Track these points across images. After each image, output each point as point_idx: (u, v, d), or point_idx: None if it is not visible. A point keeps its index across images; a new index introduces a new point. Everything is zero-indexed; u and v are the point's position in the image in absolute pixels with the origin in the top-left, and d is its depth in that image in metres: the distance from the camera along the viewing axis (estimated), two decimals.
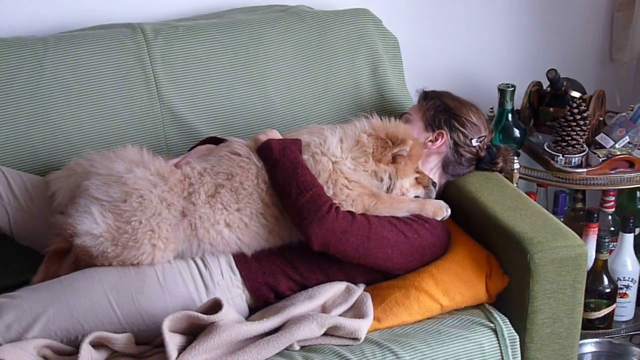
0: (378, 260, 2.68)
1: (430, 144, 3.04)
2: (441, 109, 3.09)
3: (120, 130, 3.09)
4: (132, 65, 3.10)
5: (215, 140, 2.94)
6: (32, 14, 3.24)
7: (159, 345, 2.47)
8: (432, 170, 3.04)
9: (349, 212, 2.65)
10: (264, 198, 2.67)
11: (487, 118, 3.20)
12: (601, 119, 3.70)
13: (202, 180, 2.65)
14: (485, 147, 3.13)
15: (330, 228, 2.57)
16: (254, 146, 2.74)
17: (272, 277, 2.69)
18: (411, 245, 2.71)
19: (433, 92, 3.19)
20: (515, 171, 3.37)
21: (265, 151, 2.69)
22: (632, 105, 3.62)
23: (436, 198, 2.92)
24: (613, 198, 3.56)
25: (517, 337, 2.70)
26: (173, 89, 3.14)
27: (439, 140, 3.05)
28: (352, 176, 2.70)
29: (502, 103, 3.58)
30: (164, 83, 3.13)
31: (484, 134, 3.11)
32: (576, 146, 3.44)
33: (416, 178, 2.86)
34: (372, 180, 2.74)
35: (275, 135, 2.79)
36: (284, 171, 2.64)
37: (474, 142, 3.07)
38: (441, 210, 2.83)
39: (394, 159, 2.78)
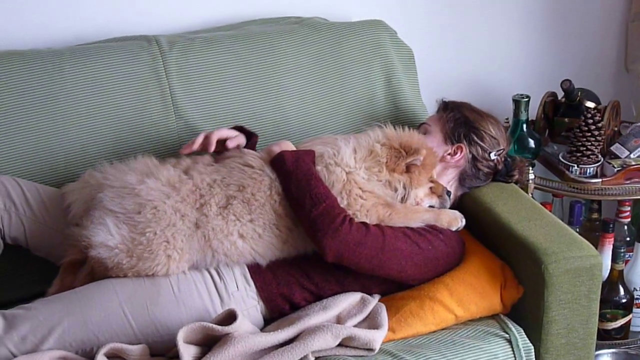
0: (392, 271, 2.68)
1: (449, 157, 3.04)
2: (461, 122, 3.08)
3: (136, 141, 3.09)
4: (147, 77, 3.11)
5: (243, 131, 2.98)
6: (47, 26, 3.25)
7: (174, 356, 2.46)
8: (449, 183, 3.04)
9: (363, 223, 2.65)
10: (277, 209, 2.67)
11: (505, 129, 3.19)
12: (616, 129, 3.69)
13: (212, 192, 2.65)
14: (502, 159, 3.12)
15: (344, 240, 2.58)
16: (267, 158, 2.74)
17: (287, 287, 2.69)
18: (425, 256, 2.71)
19: (453, 103, 3.17)
20: (531, 182, 3.36)
21: (278, 163, 2.70)
22: None
23: (451, 209, 2.92)
24: (629, 208, 3.55)
25: (532, 347, 2.70)
26: (188, 101, 3.15)
27: (458, 154, 3.05)
28: (366, 186, 2.70)
29: (516, 114, 3.58)
30: (179, 95, 3.14)
31: (502, 148, 3.10)
32: (591, 156, 3.43)
33: (430, 187, 2.86)
34: (386, 190, 2.74)
35: (289, 146, 2.79)
36: (297, 183, 2.64)
37: (492, 156, 3.07)
38: (456, 221, 2.83)
39: (408, 169, 2.78)
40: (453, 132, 3.07)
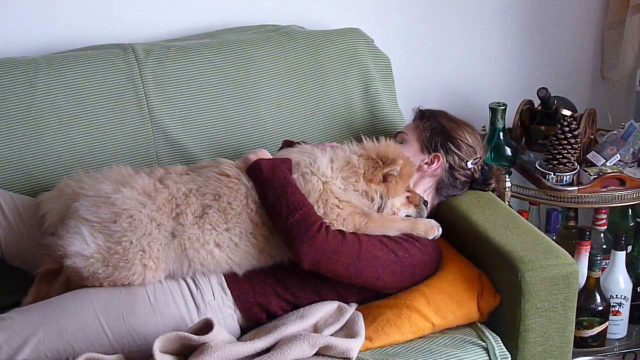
0: (369, 279, 2.67)
1: (425, 166, 3.04)
2: (437, 131, 3.08)
3: (112, 150, 3.08)
4: (123, 86, 3.10)
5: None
6: (23, 34, 3.24)
7: None
8: (426, 192, 3.04)
9: (340, 231, 2.64)
10: (253, 218, 2.66)
11: (482, 137, 3.20)
12: (592, 137, 3.71)
13: (187, 201, 2.64)
14: (479, 168, 3.13)
15: (321, 247, 2.57)
16: (244, 166, 2.74)
17: (264, 297, 2.68)
18: (402, 264, 2.71)
19: (429, 112, 3.17)
20: (507, 190, 3.37)
21: (254, 171, 2.69)
22: (623, 123, 3.64)
23: (428, 217, 2.92)
24: (605, 216, 3.56)
25: (509, 355, 2.70)
26: (165, 109, 3.14)
27: (435, 163, 3.05)
28: (343, 196, 2.70)
29: (493, 121, 3.59)
30: (156, 103, 3.13)
31: (479, 156, 3.11)
32: (567, 164, 3.44)
33: (407, 197, 2.86)
34: (362, 200, 2.74)
35: (265, 154, 2.79)
36: (273, 191, 2.64)
37: (469, 165, 3.07)
38: (432, 230, 2.83)
39: (385, 178, 2.78)
40: (430, 141, 3.07)
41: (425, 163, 3.04)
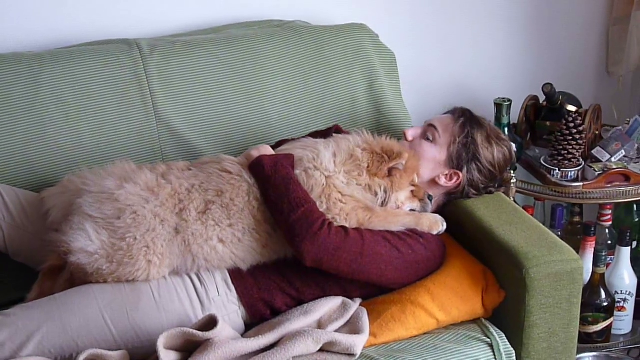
0: (372, 276, 2.67)
1: (443, 180, 2.98)
2: (469, 149, 2.96)
3: (117, 146, 3.09)
4: (128, 81, 3.11)
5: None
6: (28, 30, 3.25)
7: None
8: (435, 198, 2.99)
9: (342, 227, 2.64)
10: (255, 214, 2.66)
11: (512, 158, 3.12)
12: (597, 132, 3.70)
13: (190, 197, 2.64)
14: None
15: (323, 245, 2.57)
16: (246, 163, 2.74)
17: (268, 293, 2.68)
18: (405, 260, 2.70)
19: (473, 121, 3.01)
20: (512, 185, 3.37)
21: (257, 168, 2.69)
22: (628, 119, 3.63)
23: (432, 212, 2.91)
24: (610, 212, 3.56)
25: (514, 352, 2.70)
26: (169, 104, 3.15)
27: (453, 180, 2.99)
28: (346, 190, 2.69)
29: (498, 117, 3.58)
30: (161, 98, 3.13)
31: (496, 182, 3.05)
32: (572, 160, 3.44)
33: (412, 191, 2.85)
34: (366, 194, 2.73)
35: (268, 150, 2.78)
36: (275, 188, 2.63)
37: (482, 190, 3.03)
38: (437, 225, 2.82)
39: (390, 172, 2.77)
40: (458, 156, 2.96)
41: (444, 175, 2.98)
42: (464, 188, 2.99)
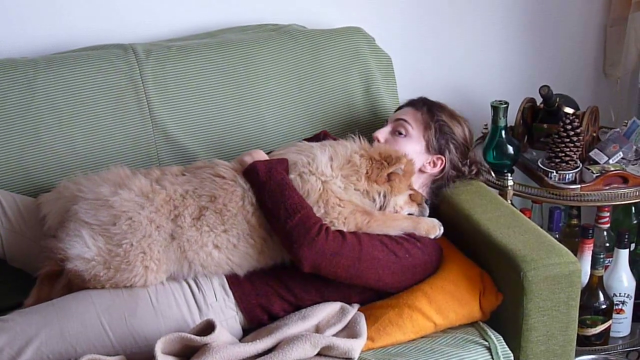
0: (370, 280, 2.67)
1: (429, 167, 3.03)
2: (443, 131, 3.04)
3: (112, 151, 3.09)
4: (124, 86, 3.10)
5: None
6: (23, 35, 3.24)
7: None
8: (421, 188, 3.02)
9: (339, 232, 2.63)
10: (250, 220, 2.65)
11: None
12: (595, 134, 3.69)
13: (184, 203, 2.63)
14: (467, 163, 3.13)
15: (321, 250, 2.56)
16: (240, 168, 2.73)
17: (266, 298, 2.68)
18: (403, 265, 2.70)
19: (435, 106, 3.10)
20: (510, 188, 3.37)
21: (251, 174, 2.68)
22: (626, 121, 3.63)
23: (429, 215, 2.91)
24: (608, 214, 3.55)
25: (512, 355, 2.70)
26: (165, 109, 3.14)
27: (438, 165, 3.04)
28: (343, 195, 2.69)
29: (495, 120, 3.57)
30: (156, 103, 3.13)
31: (470, 157, 3.12)
32: (570, 162, 3.43)
33: (410, 195, 2.85)
34: (364, 199, 2.73)
35: (261, 155, 2.78)
36: (271, 194, 2.63)
37: (462, 167, 3.07)
38: (434, 229, 2.82)
39: (388, 177, 2.77)
40: (436, 140, 3.03)
41: (429, 163, 3.03)
42: (449, 172, 3.05)
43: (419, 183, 3.03)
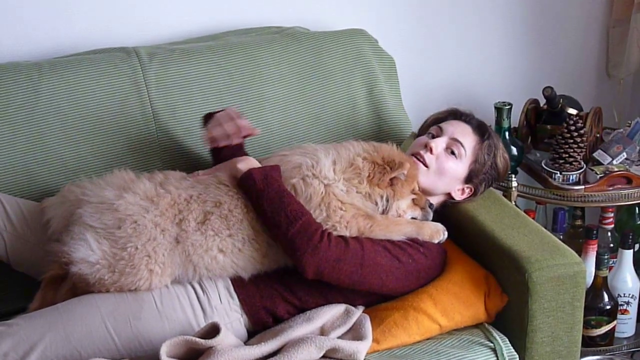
0: (373, 286, 2.67)
1: (458, 194, 3.01)
2: (489, 173, 3.00)
3: (116, 154, 3.08)
4: (127, 89, 3.10)
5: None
6: (27, 39, 3.24)
7: None
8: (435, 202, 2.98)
9: (342, 237, 2.63)
10: (254, 225, 2.64)
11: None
12: (598, 135, 3.70)
13: (189, 208, 2.63)
14: None
15: (324, 257, 2.56)
16: (231, 174, 2.72)
17: (271, 301, 2.67)
18: (406, 270, 2.70)
19: (493, 141, 3.01)
20: (514, 189, 3.37)
21: (247, 181, 2.66)
22: (630, 122, 3.63)
23: (433, 217, 2.90)
24: (612, 215, 3.56)
25: (517, 356, 2.69)
26: (169, 112, 3.14)
27: (466, 194, 3.02)
28: (345, 198, 2.67)
29: (499, 121, 3.58)
30: (160, 106, 3.13)
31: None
32: (573, 163, 3.44)
33: (413, 199, 2.84)
34: (366, 203, 2.71)
35: (253, 163, 2.76)
36: (270, 202, 2.61)
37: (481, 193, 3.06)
38: (438, 234, 2.81)
39: (391, 181, 2.76)
40: (478, 174, 2.99)
41: (458, 190, 3.01)
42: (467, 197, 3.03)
43: (436, 200, 2.97)
